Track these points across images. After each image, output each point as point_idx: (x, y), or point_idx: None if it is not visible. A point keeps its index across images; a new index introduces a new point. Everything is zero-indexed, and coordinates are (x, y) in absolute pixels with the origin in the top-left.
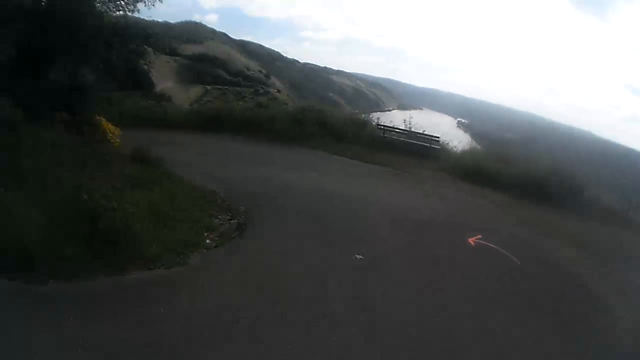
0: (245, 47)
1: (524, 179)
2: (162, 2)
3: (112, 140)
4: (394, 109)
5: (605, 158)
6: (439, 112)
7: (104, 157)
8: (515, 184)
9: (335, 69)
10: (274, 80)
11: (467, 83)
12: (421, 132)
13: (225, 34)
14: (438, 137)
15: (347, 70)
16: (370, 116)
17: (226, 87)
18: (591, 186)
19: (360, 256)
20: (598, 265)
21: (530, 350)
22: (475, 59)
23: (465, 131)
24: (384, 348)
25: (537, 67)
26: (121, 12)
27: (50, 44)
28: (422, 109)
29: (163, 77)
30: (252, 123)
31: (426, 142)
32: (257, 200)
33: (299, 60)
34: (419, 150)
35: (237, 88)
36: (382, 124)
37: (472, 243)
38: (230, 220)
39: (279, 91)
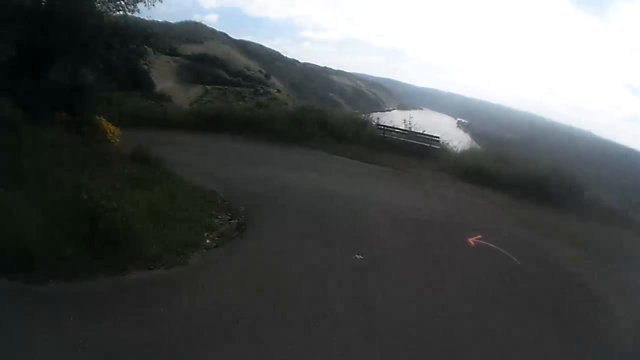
0: (245, 47)
1: (524, 179)
2: (162, 2)
3: (112, 140)
4: (394, 109)
5: (605, 158)
6: (439, 112)
7: (104, 157)
8: (515, 184)
9: (335, 69)
10: (274, 80)
11: (467, 83)
12: (421, 132)
13: (225, 34)
14: (438, 137)
15: (347, 70)
16: (370, 116)
17: (226, 87)
18: (591, 186)
19: (360, 256)
20: (598, 265)
21: (530, 350)
22: (475, 59)
23: (465, 131)
24: (384, 348)
25: (537, 67)
26: (121, 12)
27: (50, 44)
28: (422, 109)
29: (163, 77)
30: (252, 123)
31: (426, 142)
32: (257, 200)
33: (299, 60)
34: (419, 150)
35: (237, 88)
36: (382, 124)
37: (472, 243)
38: (230, 220)
39: (279, 91)
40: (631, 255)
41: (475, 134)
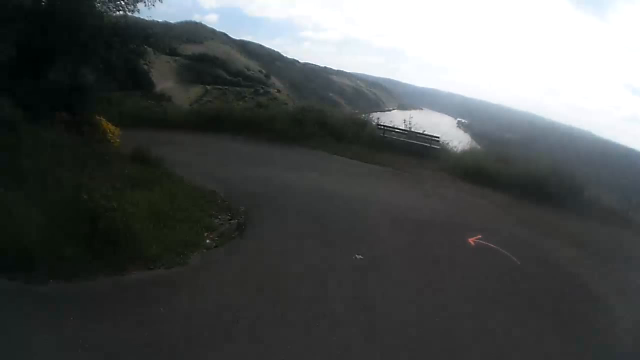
0: (245, 47)
1: (524, 179)
2: (162, 2)
3: (112, 140)
4: (394, 109)
5: (605, 158)
6: (439, 112)
7: (104, 157)
8: (515, 184)
9: (335, 69)
10: (274, 80)
11: (467, 83)
12: (421, 132)
13: (225, 34)
14: (438, 137)
15: (347, 70)
16: (370, 116)
17: (226, 87)
18: (591, 186)
19: (360, 256)
20: (598, 265)
21: (530, 350)
22: (475, 59)
23: (465, 131)
24: (384, 348)
25: (537, 67)
26: (121, 12)
27: (50, 44)
28: (422, 109)
29: (163, 77)
30: (252, 123)
31: (426, 142)
32: (257, 200)
33: (299, 60)
34: (419, 150)
35: (237, 88)
36: (382, 124)
37: (472, 243)
38: (230, 220)
39: (279, 91)
40: (631, 255)
41: (475, 134)
